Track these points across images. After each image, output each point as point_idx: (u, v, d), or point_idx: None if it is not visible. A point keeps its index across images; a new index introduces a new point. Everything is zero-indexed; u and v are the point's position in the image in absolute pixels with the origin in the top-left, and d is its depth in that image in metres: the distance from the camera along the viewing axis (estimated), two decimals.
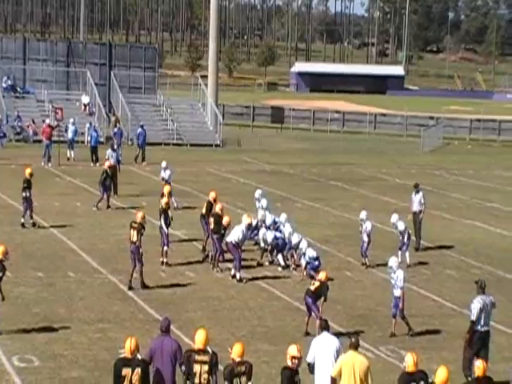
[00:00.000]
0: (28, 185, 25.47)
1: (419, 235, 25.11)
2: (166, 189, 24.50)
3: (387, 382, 14.27)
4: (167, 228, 21.75)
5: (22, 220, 25.50)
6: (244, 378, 11.36)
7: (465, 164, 47.39)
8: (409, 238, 22.86)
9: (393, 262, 17.19)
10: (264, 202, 24.17)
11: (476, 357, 14.68)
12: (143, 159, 40.97)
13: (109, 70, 54.53)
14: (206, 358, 11.34)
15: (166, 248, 21.77)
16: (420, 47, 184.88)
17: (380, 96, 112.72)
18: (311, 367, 12.42)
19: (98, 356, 15.20)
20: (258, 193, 25.36)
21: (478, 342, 14.89)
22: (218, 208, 22.22)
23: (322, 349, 12.34)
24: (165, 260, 21.75)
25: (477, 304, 14.84)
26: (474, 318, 14.82)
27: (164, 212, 21.88)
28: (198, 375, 11.31)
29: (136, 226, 19.52)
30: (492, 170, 45.43)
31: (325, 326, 12.74)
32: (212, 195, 23.32)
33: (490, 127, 64.28)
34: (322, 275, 17.17)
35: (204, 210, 23.11)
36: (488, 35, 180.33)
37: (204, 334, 11.51)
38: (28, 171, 25.86)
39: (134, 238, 19.40)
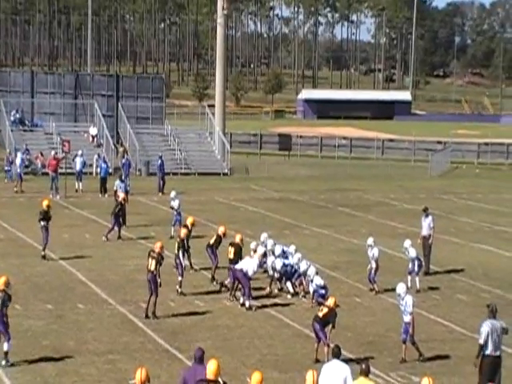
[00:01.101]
0: (44, 216, 25.66)
1: (429, 259, 25.07)
2: (189, 220, 24.37)
3: None
4: (183, 259, 22.03)
5: (43, 253, 25.67)
6: None
7: (473, 188, 47.34)
8: (420, 266, 22.84)
9: (401, 288, 17.23)
10: (270, 244, 23.48)
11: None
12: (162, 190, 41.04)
13: (116, 101, 54.85)
14: None
15: (180, 278, 21.84)
16: (427, 72, 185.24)
17: (387, 121, 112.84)
18: None
19: None
20: (263, 236, 24.84)
21: (488, 368, 14.73)
22: (238, 238, 22.41)
23: (331, 376, 12.30)
24: (179, 290, 21.80)
25: (485, 327, 14.75)
26: (482, 341, 14.72)
27: (183, 242, 22.05)
28: None
29: (155, 255, 19.71)
30: (500, 193, 45.35)
31: (336, 353, 12.70)
32: (221, 230, 23.45)
33: (498, 151, 64.22)
34: (330, 301, 17.17)
35: (212, 241, 23.23)
36: (494, 59, 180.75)
37: (216, 365, 11.52)
38: (45, 203, 26.05)
39: (152, 268, 19.59)
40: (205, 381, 11.44)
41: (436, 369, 16.60)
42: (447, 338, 18.88)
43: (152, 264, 19.57)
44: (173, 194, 30.16)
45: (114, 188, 32.41)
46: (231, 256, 21.76)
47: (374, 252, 22.42)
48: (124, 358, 16.79)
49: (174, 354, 17.04)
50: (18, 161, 41.86)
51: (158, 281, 19.57)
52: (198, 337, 18.37)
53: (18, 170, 41.11)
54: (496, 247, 29.60)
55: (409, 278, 22.62)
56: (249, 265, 20.81)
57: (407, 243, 22.95)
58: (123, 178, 34.45)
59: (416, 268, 22.71)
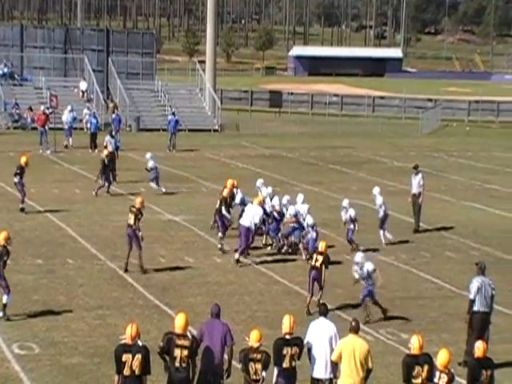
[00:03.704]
0: (20, 171, 25.54)
1: (419, 217, 25.12)
2: (230, 182, 23.52)
3: (387, 364, 14.32)
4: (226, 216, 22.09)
5: (21, 205, 25.62)
6: (259, 365, 11.47)
7: (463, 146, 47.35)
8: (385, 216, 23.09)
9: (359, 257, 17.23)
10: (265, 191, 23.63)
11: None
12: (174, 146, 40.88)
13: (106, 56, 54.33)
14: (186, 342, 11.48)
15: (220, 235, 21.99)
16: (418, 29, 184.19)
17: (378, 79, 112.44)
18: (308, 351, 12.43)
19: (98, 342, 15.22)
20: (259, 182, 24.91)
21: (478, 324, 14.87)
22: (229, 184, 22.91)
23: (317, 334, 12.33)
24: (219, 246, 21.92)
25: (475, 283, 14.90)
26: (472, 296, 14.87)
27: (226, 201, 22.15)
28: (178, 359, 11.44)
29: (134, 210, 19.67)
30: (491, 151, 45.39)
31: (323, 311, 12.72)
32: (230, 182, 23.22)
33: (488, 108, 64.09)
34: (321, 245, 17.73)
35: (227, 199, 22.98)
36: (486, 16, 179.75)
37: (184, 319, 11.62)
38: (23, 160, 25.89)
39: (131, 222, 19.56)
40: (174, 334, 11.54)
41: (425, 326, 16.70)
42: (436, 295, 18.97)
43: (131, 218, 19.61)
44: (148, 155, 29.96)
45: (104, 144, 32.26)
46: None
47: (350, 213, 22.29)
48: (114, 314, 16.83)
49: (164, 310, 17.09)
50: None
51: (140, 234, 19.59)
52: (188, 293, 18.41)
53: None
54: (486, 205, 29.68)
55: (380, 232, 22.71)
56: (254, 214, 20.83)
57: (376, 190, 23.02)
58: (113, 133, 34.21)
59: (381, 215, 22.90)
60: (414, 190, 25.30)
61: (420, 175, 25.31)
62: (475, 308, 14.86)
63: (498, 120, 62.34)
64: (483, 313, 14.91)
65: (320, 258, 17.50)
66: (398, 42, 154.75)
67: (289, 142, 46.87)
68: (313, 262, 17.66)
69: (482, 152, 44.73)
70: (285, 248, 22.03)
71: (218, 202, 22.21)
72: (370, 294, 16.99)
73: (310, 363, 12.30)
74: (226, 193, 22.35)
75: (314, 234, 21.10)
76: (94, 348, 14.97)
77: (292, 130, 53.62)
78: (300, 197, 22.81)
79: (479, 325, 14.87)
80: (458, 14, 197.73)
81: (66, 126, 40.59)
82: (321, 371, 12.20)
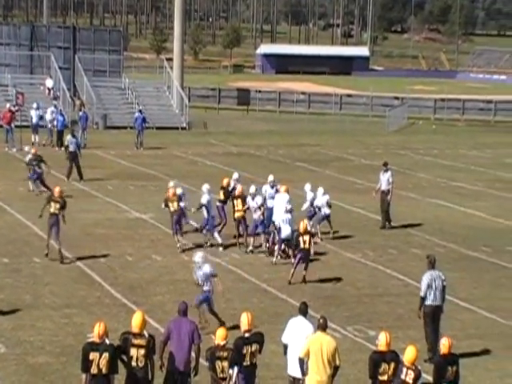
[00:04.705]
0: None
1: (388, 214, 25.30)
2: (226, 181, 23.89)
3: (355, 361, 14.39)
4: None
5: None
6: (226, 363, 11.47)
7: (430, 143, 47.68)
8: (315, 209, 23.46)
9: (198, 257, 16.17)
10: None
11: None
12: (141, 144, 40.71)
13: (73, 54, 53.97)
14: (142, 341, 11.44)
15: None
16: (384, 28, 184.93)
17: (345, 77, 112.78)
18: (285, 349, 12.45)
19: (65, 342, 15.14)
20: (235, 175, 24.59)
21: (430, 318, 15.14)
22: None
23: (295, 333, 12.32)
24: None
25: (425, 280, 15.14)
26: (422, 293, 15.13)
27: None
28: (134, 359, 11.40)
29: (58, 199, 20.66)
30: (456, 149, 45.75)
31: (303, 310, 12.56)
32: (226, 181, 23.62)
33: (454, 106, 64.57)
34: (301, 226, 19.12)
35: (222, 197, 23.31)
36: (451, 15, 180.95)
37: (140, 318, 11.59)
38: None
39: (56, 211, 20.50)
40: (130, 333, 11.51)
41: (392, 323, 16.80)
42: (403, 291, 19.10)
43: (55, 208, 20.41)
44: (27, 148, 29.96)
45: (65, 143, 32.19)
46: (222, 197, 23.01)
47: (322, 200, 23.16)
48: (81, 313, 16.74)
49: (131, 308, 17.01)
50: None
51: (63, 222, 20.55)
52: (156, 291, 18.36)
53: None
54: (452, 202, 29.93)
55: (310, 222, 22.69)
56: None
57: (307, 187, 23.06)
58: (75, 133, 33.93)
59: (309, 207, 23.26)
60: (383, 187, 25.44)
61: (389, 172, 25.50)
62: (428, 302, 15.12)
63: (464, 118, 62.84)
64: (436, 306, 15.15)
65: (307, 239, 18.70)
66: (365, 40, 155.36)
67: (256, 139, 46.90)
68: (301, 245, 18.84)
69: (447, 150, 45.08)
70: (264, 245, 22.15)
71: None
72: (207, 300, 15.93)
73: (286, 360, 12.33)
74: (238, 192, 22.69)
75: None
76: (60, 347, 14.89)
77: (260, 127, 53.66)
78: (320, 190, 23.66)
79: (431, 318, 15.13)
80: (424, 12, 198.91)
81: (32, 124, 40.26)
82: (297, 369, 12.20)
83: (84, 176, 30.79)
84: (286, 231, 20.83)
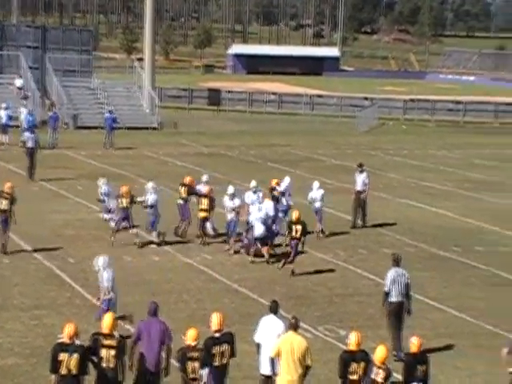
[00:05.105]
0: None
1: (363, 214, 25.53)
2: (188, 178, 23.93)
3: (326, 361, 14.42)
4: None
5: None
6: (197, 364, 11.45)
7: (400, 144, 47.92)
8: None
9: (100, 261, 15.56)
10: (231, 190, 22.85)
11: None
12: (111, 144, 40.51)
13: (43, 53, 53.63)
14: (113, 342, 11.43)
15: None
16: (355, 28, 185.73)
17: (316, 77, 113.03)
18: (258, 348, 12.47)
19: (34, 343, 15.04)
20: (205, 177, 24.46)
21: (393, 314, 15.28)
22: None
23: (266, 331, 12.35)
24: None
25: (389, 276, 15.32)
26: (386, 289, 15.28)
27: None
28: (105, 360, 11.38)
29: (7, 196, 20.63)
30: (426, 149, 46.02)
31: (274, 308, 12.61)
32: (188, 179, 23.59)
33: (423, 107, 64.96)
34: (294, 215, 19.96)
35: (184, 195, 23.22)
36: (420, 16, 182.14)
37: (111, 318, 11.59)
38: None
39: (5, 207, 20.49)
40: (101, 334, 11.50)
41: (363, 322, 16.87)
42: (373, 291, 19.16)
43: (4, 204, 20.46)
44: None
45: (22, 138, 32.12)
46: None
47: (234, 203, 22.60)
48: (51, 313, 16.64)
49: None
50: None
51: (13, 218, 20.57)
52: (127, 292, 18.24)
53: None
54: (422, 202, 30.12)
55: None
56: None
57: (231, 189, 22.41)
58: (49, 131, 33.82)
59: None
60: (359, 187, 25.65)
61: (365, 173, 25.76)
62: (392, 299, 15.26)
63: (434, 119, 63.23)
64: (399, 303, 15.27)
65: (299, 228, 19.36)
66: (336, 41, 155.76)
67: (228, 140, 46.88)
68: (293, 233, 19.71)
69: (417, 150, 45.34)
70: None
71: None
72: (113, 307, 15.31)
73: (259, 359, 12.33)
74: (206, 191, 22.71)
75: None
76: (30, 349, 14.79)
77: (231, 128, 53.64)
78: (316, 183, 24.25)
79: (394, 314, 15.27)
80: (393, 13, 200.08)
81: (1, 124, 39.97)
82: (269, 368, 12.21)
83: (54, 176, 30.58)
84: (259, 230, 20.88)
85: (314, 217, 23.90)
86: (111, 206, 22.85)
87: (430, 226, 26.17)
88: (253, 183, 23.23)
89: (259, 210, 21.27)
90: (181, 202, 23.18)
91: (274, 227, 22.07)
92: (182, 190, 23.26)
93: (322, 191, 24.33)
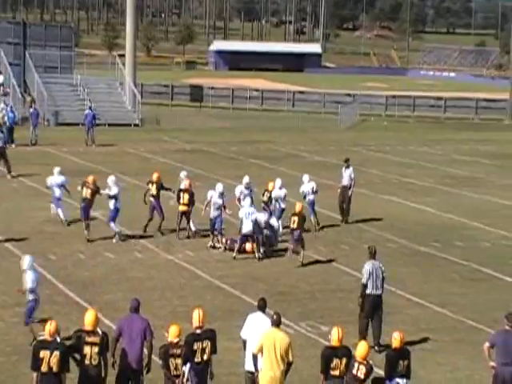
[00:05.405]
0: None
1: (348, 210, 25.75)
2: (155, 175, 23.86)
3: (308, 357, 14.46)
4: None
5: None
6: (179, 360, 11.46)
7: (381, 140, 48.05)
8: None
9: (25, 262, 15.70)
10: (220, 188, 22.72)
11: (370, 320, 15.34)
12: (93, 141, 40.42)
13: (23, 50, 53.39)
14: (96, 339, 11.43)
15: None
16: (336, 25, 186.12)
17: (298, 74, 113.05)
18: (244, 344, 12.48)
19: (16, 341, 15.00)
20: (182, 173, 24.56)
21: (369, 306, 15.40)
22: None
23: (253, 328, 12.34)
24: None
25: (367, 268, 15.45)
26: (364, 280, 15.39)
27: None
28: (88, 357, 11.38)
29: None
30: (407, 145, 46.16)
31: (261, 306, 12.59)
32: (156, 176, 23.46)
33: (404, 103, 65.18)
34: (297, 208, 20.70)
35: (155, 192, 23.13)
36: (402, 13, 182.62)
37: (93, 315, 11.59)
38: None
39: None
40: (84, 331, 11.49)
41: (344, 318, 16.89)
42: (355, 287, 19.13)
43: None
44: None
45: None
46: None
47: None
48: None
49: (83, 307, 16.88)
50: None
51: None
52: (109, 289, 18.27)
53: None
54: (403, 198, 30.23)
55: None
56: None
57: (220, 188, 22.36)
58: (30, 128, 33.66)
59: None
60: (345, 182, 25.96)
61: (351, 168, 26.10)
62: (368, 291, 15.38)
63: (415, 115, 63.46)
64: (375, 295, 15.41)
65: (296, 219, 19.94)
66: (317, 37, 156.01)
67: (210, 136, 46.85)
68: (291, 225, 20.41)
69: (399, 146, 45.47)
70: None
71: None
72: (33, 309, 15.47)
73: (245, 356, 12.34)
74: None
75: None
76: (11, 346, 14.75)
77: (213, 124, 53.60)
78: (278, 181, 23.94)
79: (371, 307, 15.40)
80: (375, 10, 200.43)
81: None
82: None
83: (33, 172, 30.42)
84: (247, 227, 20.88)
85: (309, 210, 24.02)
86: (57, 195, 23.57)
87: (411, 222, 26.27)
88: (246, 179, 23.33)
89: (250, 206, 21.30)
90: (152, 199, 23.20)
91: (269, 232, 21.91)
92: (153, 187, 23.21)
93: (312, 184, 24.62)
